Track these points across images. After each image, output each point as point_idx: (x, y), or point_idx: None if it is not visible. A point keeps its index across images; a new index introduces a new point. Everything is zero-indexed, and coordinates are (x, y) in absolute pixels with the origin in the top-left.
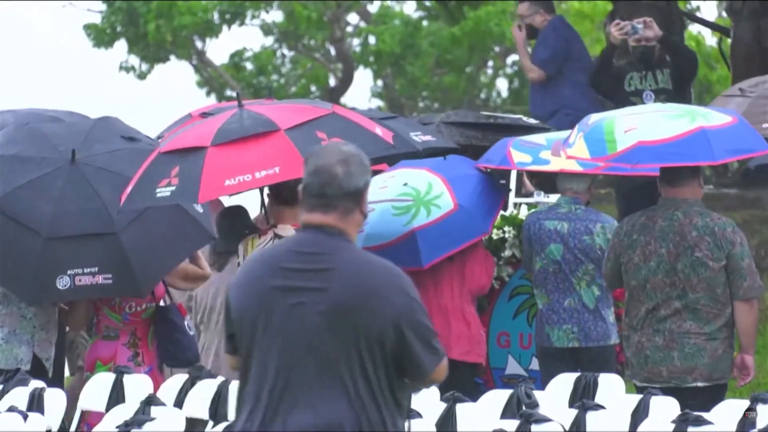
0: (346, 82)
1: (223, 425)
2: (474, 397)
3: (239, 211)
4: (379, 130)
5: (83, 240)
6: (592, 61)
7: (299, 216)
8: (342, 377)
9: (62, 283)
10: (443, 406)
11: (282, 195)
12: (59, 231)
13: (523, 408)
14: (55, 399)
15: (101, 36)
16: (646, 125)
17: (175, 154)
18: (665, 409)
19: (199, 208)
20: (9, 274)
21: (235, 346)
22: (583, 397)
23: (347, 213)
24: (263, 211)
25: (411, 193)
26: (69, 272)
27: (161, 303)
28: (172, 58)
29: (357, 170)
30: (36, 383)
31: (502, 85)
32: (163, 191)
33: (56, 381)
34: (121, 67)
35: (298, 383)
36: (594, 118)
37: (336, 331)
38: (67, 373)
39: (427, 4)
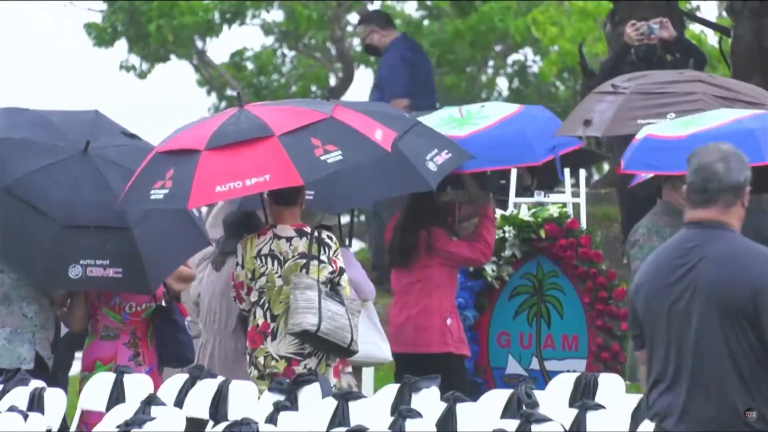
0: (346, 81)
1: (223, 425)
2: (474, 396)
3: (248, 213)
4: (379, 133)
5: (98, 231)
6: (432, 83)
7: (299, 216)
8: (718, 358)
9: (74, 272)
10: (443, 406)
11: (282, 196)
12: (75, 219)
13: (523, 408)
14: (55, 399)
15: (102, 35)
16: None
17: (171, 155)
18: None
19: (194, 212)
20: (21, 259)
21: (641, 344)
22: (583, 397)
23: (728, 206)
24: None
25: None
26: (81, 262)
27: (162, 303)
28: (173, 57)
29: (736, 166)
30: (36, 383)
31: (503, 84)
32: (157, 194)
33: (56, 381)
34: (121, 67)
35: (690, 369)
36: None
37: (709, 314)
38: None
39: (429, 3)
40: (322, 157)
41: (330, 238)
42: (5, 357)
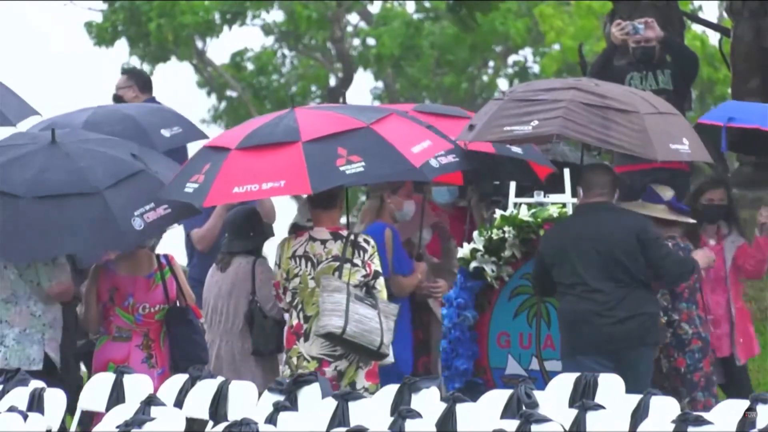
0: (346, 82)
1: (223, 425)
2: (474, 396)
3: (249, 214)
4: (419, 147)
5: (128, 183)
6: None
7: (338, 219)
8: None
9: (137, 224)
10: (443, 406)
11: (319, 199)
12: (106, 182)
13: (523, 408)
14: (55, 399)
15: (102, 34)
16: None
17: (211, 151)
18: (665, 409)
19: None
20: (85, 238)
21: None
22: (583, 397)
23: None
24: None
25: None
26: (136, 213)
27: (177, 304)
28: (173, 58)
29: None
30: (36, 383)
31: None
32: (190, 187)
33: (63, 382)
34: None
35: None
36: None
37: None
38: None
39: (427, 4)
40: (342, 168)
41: (366, 241)
42: (15, 358)
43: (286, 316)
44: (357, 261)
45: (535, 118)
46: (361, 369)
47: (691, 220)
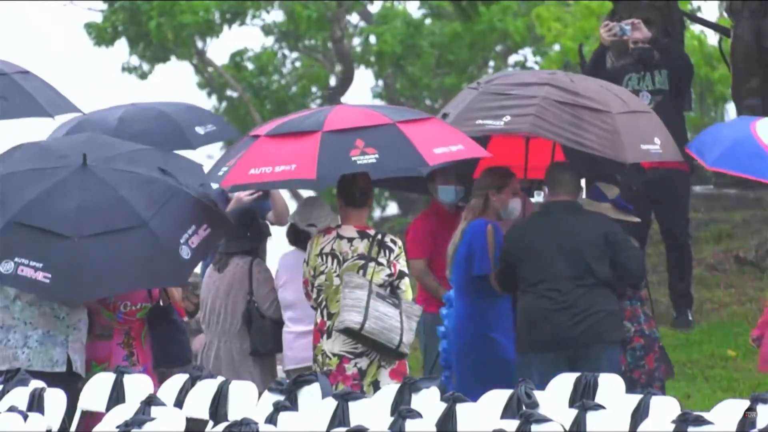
0: (346, 81)
1: (223, 425)
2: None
3: (247, 214)
4: (441, 150)
5: (39, 233)
6: None
7: (366, 218)
8: None
9: (5, 267)
10: (443, 406)
11: (350, 196)
12: (23, 218)
13: (523, 408)
14: (55, 399)
15: (102, 35)
16: None
17: (250, 138)
18: (665, 409)
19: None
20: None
21: None
22: (583, 397)
23: None
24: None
25: None
26: (16, 259)
27: (160, 303)
28: (173, 58)
29: None
30: (36, 383)
31: None
32: (223, 170)
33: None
34: (123, 69)
35: None
36: None
37: None
38: None
39: (431, 1)
40: (354, 158)
41: (393, 241)
42: (38, 359)
43: (287, 314)
44: (382, 260)
45: (507, 113)
46: (384, 368)
47: (636, 219)
